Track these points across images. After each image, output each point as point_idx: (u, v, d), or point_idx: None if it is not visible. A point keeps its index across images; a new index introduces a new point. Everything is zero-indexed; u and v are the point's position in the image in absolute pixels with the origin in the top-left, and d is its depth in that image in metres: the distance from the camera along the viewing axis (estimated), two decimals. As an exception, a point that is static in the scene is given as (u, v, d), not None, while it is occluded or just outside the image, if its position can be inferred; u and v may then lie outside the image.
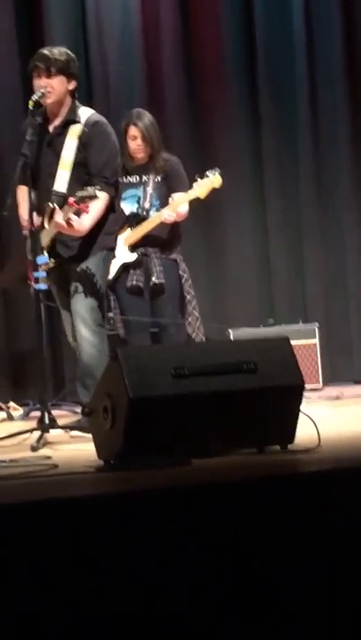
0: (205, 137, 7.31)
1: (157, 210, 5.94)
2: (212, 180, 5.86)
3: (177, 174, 5.99)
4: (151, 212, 5.95)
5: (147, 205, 5.93)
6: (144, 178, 5.96)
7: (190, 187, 5.90)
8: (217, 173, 5.87)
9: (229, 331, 6.64)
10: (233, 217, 7.36)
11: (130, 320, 5.93)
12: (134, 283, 5.89)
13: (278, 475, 3.39)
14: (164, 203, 5.94)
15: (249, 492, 3.14)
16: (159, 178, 5.97)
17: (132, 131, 5.92)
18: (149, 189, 5.95)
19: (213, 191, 5.92)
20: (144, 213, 5.92)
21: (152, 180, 5.95)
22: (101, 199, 4.90)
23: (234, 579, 3.00)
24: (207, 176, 5.87)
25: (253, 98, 7.42)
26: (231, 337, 6.58)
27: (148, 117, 5.97)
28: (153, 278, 5.88)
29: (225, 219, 7.35)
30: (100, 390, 3.86)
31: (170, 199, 5.92)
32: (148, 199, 5.94)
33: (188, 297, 6.04)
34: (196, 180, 5.89)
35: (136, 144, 5.93)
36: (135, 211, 5.95)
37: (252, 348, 3.90)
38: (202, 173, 5.91)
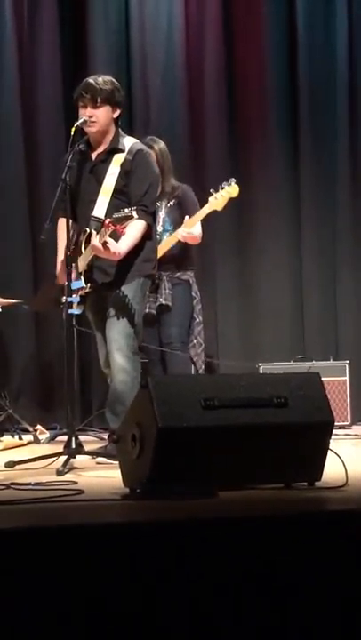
0: (245, 167, 7.33)
1: (171, 234, 5.99)
2: (229, 190, 5.91)
3: (189, 200, 6.08)
4: (164, 236, 6.00)
5: (159, 229, 5.97)
6: (157, 203, 5.98)
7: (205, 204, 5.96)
8: (233, 183, 5.92)
9: (259, 365, 6.64)
10: (267, 249, 7.36)
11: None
12: (147, 310, 5.88)
13: (304, 511, 3.39)
14: (176, 227, 5.99)
15: (274, 527, 3.13)
16: (172, 203, 6.01)
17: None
18: (162, 214, 6.00)
19: (230, 201, 5.96)
20: (157, 237, 5.94)
21: (164, 205, 6.00)
22: (139, 225, 4.91)
23: (253, 614, 2.98)
24: (223, 187, 5.91)
25: (295, 132, 7.44)
26: (261, 371, 6.57)
27: (162, 143, 6.04)
28: (160, 299, 5.91)
29: (259, 251, 7.35)
30: (129, 418, 3.87)
31: (185, 219, 5.96)
32: (160, 223, 5.99)
33: (197, 319, 6.06)
34: (211, 194, 5.93)
35: None
36: None
37: (283, 382, 3.89)
38: (216, 186, 5.95)
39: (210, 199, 5.95)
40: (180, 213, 6.04)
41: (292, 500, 3.65)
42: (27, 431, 6.18)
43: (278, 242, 7.40)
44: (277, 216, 7.38)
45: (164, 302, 5.94)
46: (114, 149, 5.07)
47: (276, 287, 7.37)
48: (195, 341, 6.05)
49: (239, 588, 2.99)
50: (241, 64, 7.45)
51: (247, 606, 2.98)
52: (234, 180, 5.97)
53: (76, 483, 4.10)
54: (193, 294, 6.07)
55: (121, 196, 5.00)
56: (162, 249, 5.91)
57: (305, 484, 3.82)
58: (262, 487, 3.78)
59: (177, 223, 6.02)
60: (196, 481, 3.63)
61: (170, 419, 3.61)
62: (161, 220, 6.00)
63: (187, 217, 5.99)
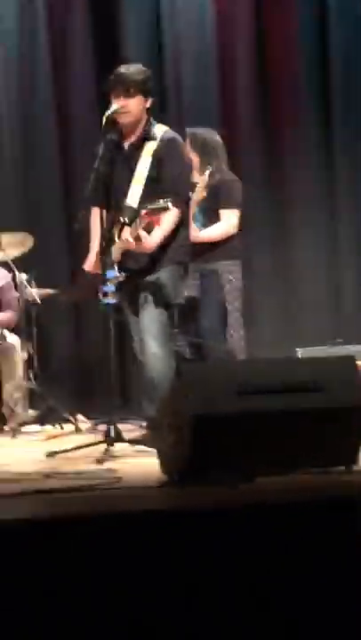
0: (278, 152, 7.31)
1: (202, 225, 5.95)
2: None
3: (228, 191, 5.97)
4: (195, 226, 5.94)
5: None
6: (190, 191, 5.95)
7: (239, 207, 5.87)
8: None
9: (297, 350, 6.60)
10: (303, 232, 7.34)
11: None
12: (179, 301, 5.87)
13: (343, 495, 3.39)
14: (210, 220, 5.94)
15: (311, 512, 3.13)
16: (205, 194, 5.95)
17: (190, 142, 5.93)
18: (194, 204, 5.91)
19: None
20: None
21: (199, 196, 5.95)
22: (172, 214, 4.92)
23: (295, 599, 2.99)
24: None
25: (328, 113, 7.41)
26: (299, 356, 6.55)
27: (212, 132, 6.00)
28: (185, 292, 5.85)
29: (296, 235, 7.34)
30: (164, 406, 3.89)
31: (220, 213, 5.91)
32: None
33: (230, 308, 5.99)
34: None
35: (193, 157, 5.90)
36: None
37: (318, 366, 3.90)
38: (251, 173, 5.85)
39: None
40: (214, 205, 5.99)
41: (330, 484, 3.65)
42: (68, 421, 6.22)
43: (314, 225, 7.37)
44: (312, 199, 7.35)
45: (188, 294, 5.85)
46: (146, 138, 5.07)
47: (313, 271, 7.35)
48: (231, 332, 6.01)
49: (281, 572, 3.00)
50: (272, 43, 7.42)
51: (289, 591, 2.99)
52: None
53: (114, 471, 4.13)
54: (222, 283, 5.99)
55: (154, 185, 5.00)
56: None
57: (342, 468, 3.81)
58: (299, 472, 3.77)
59: (211, 216, 5.98)
60: (234, 467, 3.64)
61: (205, 406, 3.62)
62: (195, 210, 5.96)
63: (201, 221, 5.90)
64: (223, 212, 5.95)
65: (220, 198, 5.98)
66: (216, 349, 5.87)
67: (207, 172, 5.94)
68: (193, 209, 5.81)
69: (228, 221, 5.96)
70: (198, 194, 5.89)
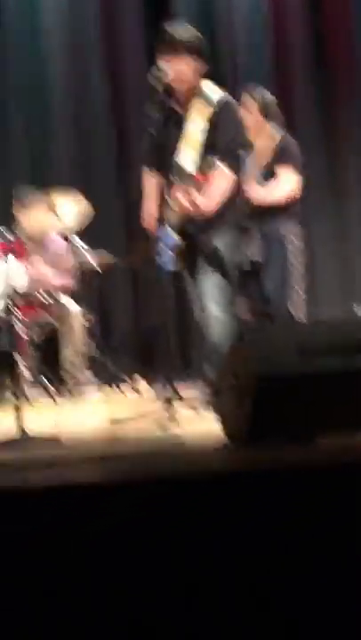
0: (331, 110, 7.21)
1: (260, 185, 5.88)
2: None
3: (288, 152, 5.87)
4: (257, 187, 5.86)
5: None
6: (244, 155, 5.89)
7: (299, 167, 5.81)
8: None
9: (355, 305, 6.53)
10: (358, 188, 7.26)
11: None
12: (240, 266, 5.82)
13: None
14: (266, 178, 5.87)
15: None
16: (270, 157, 5.87)
17: (248, 101, 5.86)
18: (252, 165, 5.84)
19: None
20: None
21: (256, 157, 5.87)
22: (226, 177, 4.87)
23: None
24: None
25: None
26: (358, 312, 6.47)
27: (265, 92, 5.92)
28: (249, 255, 5.79)
29: (352, 197, 7.27)
30: (225, 370, 3.88)
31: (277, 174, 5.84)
32: (254, 175, 5.85)
33: (292, 269, 5.92)
34: None
35: (251, 118, 5.85)
36: None
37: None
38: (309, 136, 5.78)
39: None
40: (274, 166, 5.92)
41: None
42: (128, 385, 6.25)
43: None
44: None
45: (253, 259, 5.82)
46: (198, 100, 5.00)
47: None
48: (295, 293, 5.94)
49: (347, 533, 3.00)
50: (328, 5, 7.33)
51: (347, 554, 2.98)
52: None
53: (178, 435, 4.14)
54: (287, 245, 5.93)
55: (208, 149, 4.96)
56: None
57: None
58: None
59: (268, 176, 5.90)
60: (296, 429, 3.63)
61: (266, 368, 3.61)
62: (256, 173, 5.89)
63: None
64: (283, 172, 5.85)
65: (281, 159, 5.89)
66: (280, 311, 5.82)
67: (278, 135, 5.86)
68: (254, 170, 5.76)
69: (290, 182, 5.86)
70: (266, 156, 5.83)
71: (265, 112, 5.88)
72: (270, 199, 5.79)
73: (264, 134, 5.87)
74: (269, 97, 5.94)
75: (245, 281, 5.81)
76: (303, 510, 2.97)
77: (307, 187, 6.21)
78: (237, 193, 5.04)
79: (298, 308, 5.88)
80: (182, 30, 4.99)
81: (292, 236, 5.90)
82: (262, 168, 5.86)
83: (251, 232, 5.77)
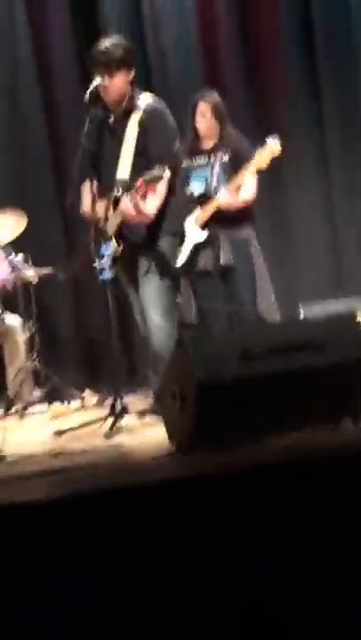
0: (265, 120, 7.23)
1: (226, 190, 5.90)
2: (272, 147, 5.75)
3: (246, 153, 5.87)
4: (219, 191, 5.89)
5: (214, 184, 5.90)
6: (212, 158, 5.92)
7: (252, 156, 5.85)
8: (276, 139, 5.76)
9: (300, 305, 6.55)
10: (296, 189, 7.28)
11: (203, 305, 5.90)
12: (202, 267, 5.86)
13: (352, 450, 3.38)
14: (228, 181, 5.90)
15: (322, 469, 3.13)
16: (226, 157, 5.91)
17: (203, 107, 5.89)
18: (217, 169, 5.90)
19: (273, 159, 5.82)
20: (213, 192, 5.88)
21: (219, 160, 5.91)
22: (165, 183, 4.89)
23: (313, 559, 2.99)
24: (266, 142, 5.76)
25: (314, 72, 7.33)
26: (302, 312, 6.48)
27: (216, 94, 5.96)
28: (221, 260, 5.83)
29: (289, 190, 7.28)
30: (168, 375, 3.88)
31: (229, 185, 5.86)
32: (215, 178, 5.90)
33: (261, 271, 5.95)
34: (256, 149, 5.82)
35: (205, 122, 5.88)
36: (203, 191, 5.92)
37: (318, 325, 3.89)
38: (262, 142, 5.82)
39: (255, 155, 5.81)
40: (233, 168, 5.92)
41: (337, 440, 3.64)
42: (74, 398, 6.22)
43: (307, 178, 7.29)
44: (305, 152, 7.26)
45: (224, 263, 5.79)
46: (131, 109, 5.01)
47: (309, 225, 7.28)
48: (260, 298, 5.95)
49: (292, 530, 3.00)
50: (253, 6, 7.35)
51: (307, 551, 2.99)
52: (277, 136, 5.80)
53: (123, 444, 4.13)
54: (252, 251, 5.94)
55: (143, 155, 4.96)
56: (215, 205, 5.83)
57: (350, 425, 3.80)
58: (307, 431, 3.76)
59: (229, 179, 5.92)
60: (241, 430, 3.63)
61: (207, 372, 3.61)
62: (215, 175, 5.92)
63: (225, 186, 5.87)
64: (245, 176, 5.80)
65: (242, 160, 5.88)
66: (253, 314, 5.84)
67: (233, 137, 5.89)
68: (245, 177, 5.76)
69: (252, 185, 5.89)
70: (223, 159, 5.86)
71: (218, 115, 5.91)
72: (236, 204, 5.81)
73: (218, 137, 5.92)
74: (220, 100, 5.96)
75: (216, 286, 5.82)
76: (249, 513, 2.98)
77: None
78: (174, 196, 5.04)
79: (266, 311, 5.91)
80: (114, 45, 4.98)
81: (253, 239, 5.94)
82: (221, 170, 5.90)
83: (219, 237, 5.79)
